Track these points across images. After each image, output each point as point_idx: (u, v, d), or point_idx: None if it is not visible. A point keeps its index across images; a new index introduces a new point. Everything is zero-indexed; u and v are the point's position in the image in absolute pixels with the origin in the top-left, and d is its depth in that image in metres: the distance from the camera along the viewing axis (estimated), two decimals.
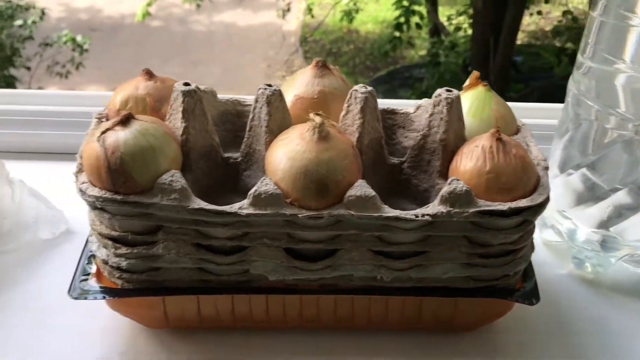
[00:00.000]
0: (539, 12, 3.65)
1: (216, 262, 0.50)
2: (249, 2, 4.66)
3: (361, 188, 0.48)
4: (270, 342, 0.55)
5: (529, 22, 3.88)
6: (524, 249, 0.52)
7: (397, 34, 3.17)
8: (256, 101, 0.52)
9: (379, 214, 0.48)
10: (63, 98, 0.80)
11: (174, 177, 0.48)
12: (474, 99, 0.55)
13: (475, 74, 0.55)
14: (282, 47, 4.52)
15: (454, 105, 0.51)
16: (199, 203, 0.48)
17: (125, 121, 0.48)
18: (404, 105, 0.62)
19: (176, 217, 0.48)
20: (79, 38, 3.25)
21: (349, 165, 0.48)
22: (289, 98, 0.54)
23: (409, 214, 0.48)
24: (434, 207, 0.48)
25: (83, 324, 0.56)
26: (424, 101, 0.58)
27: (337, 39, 4.66)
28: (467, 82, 0.56)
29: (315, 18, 4.39)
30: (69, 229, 0.66)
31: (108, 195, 0.47)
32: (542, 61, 3.37)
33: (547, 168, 0.51)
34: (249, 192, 0.48)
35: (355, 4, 3.85)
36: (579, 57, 0.59)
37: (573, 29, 3.38)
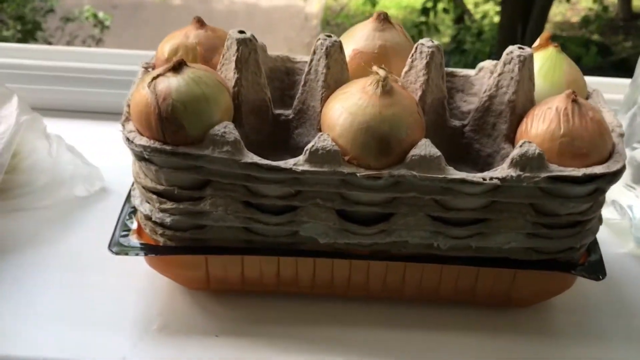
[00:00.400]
0: (568, 0, 3.58)
1: (265, 221, 0.48)
2: None
3: (426, 147, 0.45)
4: (314, 308, 0.52)
5: (556, 12, 3.81)
6: (592, 220, 0.48)
7: (423, 18, 3.12)
8: (314, 53, 0.49)
9: (443, 176, 0.45)
10: (102, 56, 0.78)
11: (227, 129, 0.45)
12: (544, 60, 0.51)
13: (546, 34, 0.52)
14: (304, 30, 4.48)
15: (527, 64, 0.48)
16: (252, 157, 0.45)
17: (178, 67, 0.45)
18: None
19: (227, 171, 0.45)
20: (100, 14, 3.22)
21: (413, 123, 0.45)
22: (347, 52, 0.51)
23: (477, 176, 0.45)
24: (503, 171, 0.45)
25: (119, 283, 0.53)
26: (487, 62, 0.55)
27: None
28: (536, 42, 0.53)
29: (337, 1, 4.35)
30: (104, 187, 0.63)
31: (157, 145, 0.45)
32: (568, 53, 3.31)
33: (622, 135, 0.48)
34: (306, 148, 0.45)
35: None
36: None
37: (603, 19, 3.31)
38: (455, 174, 0.45)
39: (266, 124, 0.51)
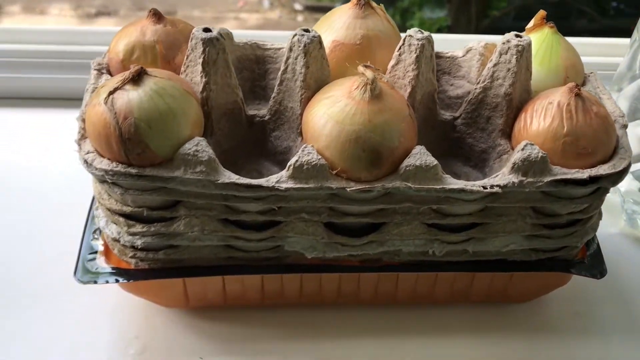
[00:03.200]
0: None
1: (246, 238, 0.44)
2: None
3: (421, 156, 0.41)
4: (302, 320, 0.49)
5: None
6: (593, 217, 0.46)
7: None
8: (290, 50, 0.43)
9: (441, 187, 0.41)
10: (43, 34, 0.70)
11: (199, 147, 0.40)
12: (540, 44, 0.47)
13: (541, 13, 0.47)
14: None
15: (524, 55, 0.44)
16: (230, 176, 0.40)
17: (137, 78, 0.39)
18: (449, 45, 0.53)
19: (202, 192, 0.41)
20: None
21: (406, 128, 0.41)
22: (326, 43, 0.45)
23: (476, 185, 0.41)
24: (504, 177, 0.41)
25: (90, 305, 0.49)
26: (475, 43, 0.50)
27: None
28: (531, 23, 0.48)
29: None
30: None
31: (120, 168, 0.39)
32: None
33: (625, 126, 0.45)
34: (289, 163, 0.40)
35: None
36: None
37: None
38: (453, 183, 0.41)
39: (240, 127, 0.46)
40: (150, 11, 0.45)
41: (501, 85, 0.45)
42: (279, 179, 0.40)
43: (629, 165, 0.43)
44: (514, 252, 0.46)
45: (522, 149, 0.41)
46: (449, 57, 0.51)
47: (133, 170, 0.39)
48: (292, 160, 0.40)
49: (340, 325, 0.49)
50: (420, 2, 3.05)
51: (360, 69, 0.41)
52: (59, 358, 0.46)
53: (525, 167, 0.41)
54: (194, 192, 0.41)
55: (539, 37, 0.47)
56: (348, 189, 0.40)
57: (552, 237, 0.45)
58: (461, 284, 0.48)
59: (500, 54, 0.44)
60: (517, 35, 0.44)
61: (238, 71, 0.50)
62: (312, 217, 0.43)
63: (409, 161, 0.41)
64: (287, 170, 0.40)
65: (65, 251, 0.48)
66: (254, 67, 0.51)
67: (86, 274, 0.44)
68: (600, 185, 0.43)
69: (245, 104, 0.49)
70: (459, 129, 0.48)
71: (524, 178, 0.41)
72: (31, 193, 0.58)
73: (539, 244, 0.45)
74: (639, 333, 0.50)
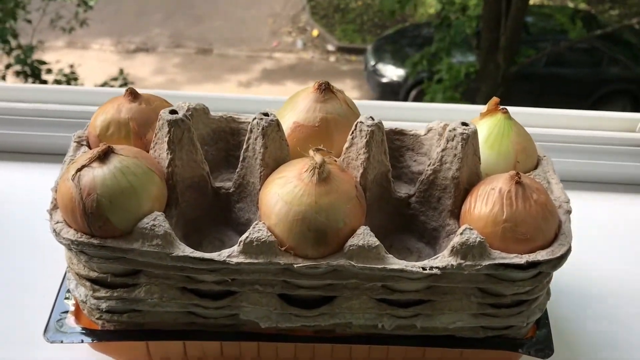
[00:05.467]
0: None
1: (203, 306, 0.46)
2: None
3: (364, 237, 0.43)
4: None
5: None
6: (539, 298, 0.47)
7: None
8: (250, 131, 0.47)
9: (382, 266, 0.43)
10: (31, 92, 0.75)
11: (157, 222, 0.43)
12: (492, 128, 0.49)
13: (494, 99, 0.50)
14: (288, 2, 4.40)
15: (470, 141, 0.46)
16: (184, 250, 0.43)
17: (104, 157, 0.43)
18: (413, 125, 0.56)
19: (159, 263, 0.44)
20: None
21: (351, 209, 0.44)
22: (288, 124, 0.49)
23: (416, 266, 0.43)
24: (444, 259, 0.44)
25: (60, 357, 0.52)
26: (435, 123, 0.53)
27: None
28: (485, 108, 0.51)
29: None
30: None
31: (84, 239, 0.43)
32: (553, 23, 3.27)
33: (569, 211, 0.47)
34: (240, 239, 0.43)
35: None
36: None
37: None
38: (395, 263, 0.43)
39: (205, 198, 0.49)
40: (127, 90, 0.49)
41: (449, 169, 0.47)
42: (230, 253, 0.43)
43: (568, 251, 0.44)
44: (462, 328, 0.47)
45: (461, 233, 0.43)
46: (412, 135, 0.54)
47: (95, 241, 0.43)
48: (243, 237, 0.43)
49: None
50: (448, 48, 3.08)
51: (311, 152, 0.44)
52: None
53: (464, 250, 0.43)
54: (152, 263, 0.44)
55: (492, 121, 0.50)
56: (295, 265, 0.43)
57: (499, 316, 0.47)
58: (414, 358, 0.50)
59: (447, 140, 0.47)
60: (463, 124, 0.47)
61: (213, 142, 0.54)
62: (265, 288, 0.45)
63: (353, 241, 0.43)
64: (238, 245, 0.43)
65: (42, 307, 0.51)
66: (229, 138, 0.54)
67: (55, 333, 0.47)
68: (541, 270, 0.44)
69: (220, 172, 0.53)
70: (413, 207, 0.50)
71: (462, 261, 0.43)
72: (12, 248, 0.61)
73: (486, 322, 0.47)
74: None
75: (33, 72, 2.80)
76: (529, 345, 0.48)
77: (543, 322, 0.50)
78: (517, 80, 2.81)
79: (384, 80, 3.23)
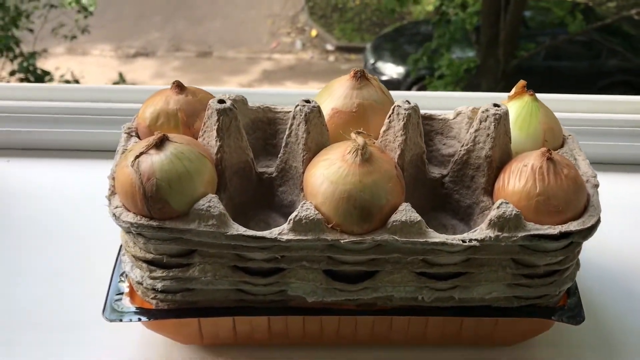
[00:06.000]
0: None
1: (253, 283, 0.49)
2: None
3: (406, 213, 0.46)
4: (305, 357, 0.54)
5: None
6: (570, 268, 0.50)
7: None
8: (293, 118, 0.49)
9: (424, 240, 0.46)
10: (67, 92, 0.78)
11: (212, 203, 0.46)
12: (520, 111, 0.52)
13: (521, 82, 0.53)
14: (287, 3, 4.43)
15: (502, 122, 0.49)
16: (238, 229, 0.46)
17: (160, 144, 0.46)
18: (442, 109, 0.59)
19: (213, 242, 0.46)
20: (84, 0, 3.15)
21: (392, 187, 0.46)
22: (326, 110, 0.51)
23: (456, 239, 0.46)
24: (482, 232, 0.46)
25: (117, 337, 0.55)
26: (464, 108, 0.56)
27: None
28: (512, 92, 0.53)
29: None
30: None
31: (144, 221, 0.46)
32: (552, 17, 3.30)
33: (597, 185, 0.49)
34: (290, 217, 0.46)
35: None
36: None
37: None
38: (436, 236, 0.46)
39: (250, 184, 0.52)
40: (173, 83, 0.52)
41: (482, 148, 0.50)
42: (280, 231, 0.46)
43: (597, 222, 0.47)
44: (497, 299, 0.50)
45: (498, 207, 0.46)
46: (441, 119, 0.57)
47: (154, 223, 0.46)
48: (292, 215, 0.46)
49: None
50: (448, 44, 3.11)
51: (353, 135, 0.46)
52: None
53: (501, 223, 0.46)
54: (207, 242, 0.47)
55: (520, 104, 0.52)
56: (342, 241, 0.46)
57: (532, 286, 0.50)
58: (451, 328, 0.53)
59: (480, 121, 0.50)
60: (495, 105, 0.49)
61: (252, 131, 0.56)
62: (312, 265, 0.48)
63: (396, 217, 0.46)
64: (288, 223, 0.46)
65: (95, 292, 0.54)
66: (266, 127, 0.57)
67: (113, 312, 0.50)
68: (572, 240, 0.47)
69: (258, 159, 0.56)
70: (447, 186, 0.53)
71: (499, 233, 0.46)
72: (69, 238, 0.65)
73: (520, 292, 0.50)
74: None
75: (36, 79, 2.84)
76: (561, 313, 0.51)
77: (573, 291, 0.52)
78: (517, 74, 2.84)
79: (384, 77, 3.25)
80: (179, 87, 0.51)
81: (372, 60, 3.39)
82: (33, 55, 2.89)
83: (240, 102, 0.55)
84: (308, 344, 0.54)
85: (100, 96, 0.75)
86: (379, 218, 0.46)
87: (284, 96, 0.75)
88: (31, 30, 3.05)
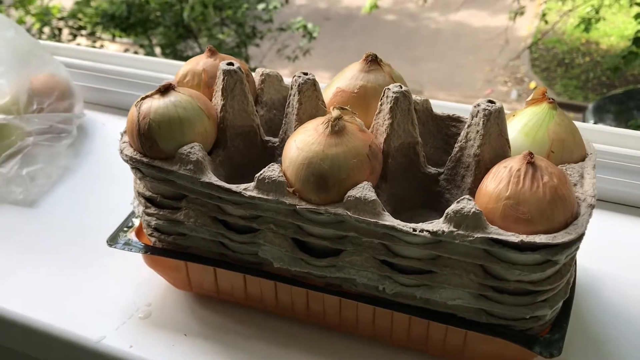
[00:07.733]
0: None
1: (230, 237, 0.52)
2: (487, 3, 4.55)
3: (362, 190, 0.45)
4: (279, 327, 0.55)
5: None
6: (548, 292, 0.45)
7: (634, 48, 2.86)
8: (291, 88, 0.52)
9: (375, 220, 0.45)
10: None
11: (193, 150, 0.50)
12: (531, 117, 0.48)
13: (541, 89, 0.49)
14: (507, 52, 4.33)
15: (492, 119, 0.46)
16: (210, 177, 0.49)
17: (164, 91, 0.51)
18: None
19: (192, 187, 0.50)
20: (310, 25, 3.44)
21: (357, 164, 0.46)
22: (333, 90, 0.52)
23: (407, 226, 0.44)
24: (437, 224, 0.44)
25: (125, 269, 0.61)
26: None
27: (572, 49, 4.35)
28: (530, 97, 0.49)
29: (550, 24, 4.14)
30: None
31: (137, 156, 0.51)
32: None
33: (592, 205, 0.44)
34: (255, 175, 0.48)
35: (597, 12, 3.52)
36: None
37: None
38: (388, 220, 0.45)
39: (254, 149, 0.55)
40: (208, 47, 0.57)
41: (472, 146, 0.47)
42: (246, 187, 0.48)
43: (573, 241, 0.42)
44: (464, 309, 0.47)
45: (458, 202, 0.43)
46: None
47: (145, 159, 0.51)
48: (258, 174, 0.48)
49: (306, 340, 0.54)
50: None
51: (331, 108, 0.47)
52: (84, 301, 0.58)
53: (458, 219, 0.43)
54: (187, 187, 0.50)
55: (534, 110, 0.48)
56: (297, 207, 0.46)
57: (502, 302, 0.45)
58: (418, 330, 0.50)
59: (472, 117, 0.47)
60: (488, 101, 0.46)
61: (282, 107, 0.59)
62: (279, 229, 0.49)
63: (352, 192, 0.45)
64: (254, 181, 0.48)
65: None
66: None
67: (113, 240, 0.56)
68: (544, 257, 0.42)
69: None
70: (441, 184, 0.51)
71: (455, 229, 0.43)
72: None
73: (489, 307, 0.46)
74: None
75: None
76: (535, 340, 0.46)
77: (561, 323, 0.46)
78: None
79: None
80: (210, 51, 0.56)
81: (592, 121, 3.18)
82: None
83: (274, 77, 0.59)
84: (283, 315, 0.55)
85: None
86: (337, 190, 0.46)
87: None
88: (257, 45, 3.39)
